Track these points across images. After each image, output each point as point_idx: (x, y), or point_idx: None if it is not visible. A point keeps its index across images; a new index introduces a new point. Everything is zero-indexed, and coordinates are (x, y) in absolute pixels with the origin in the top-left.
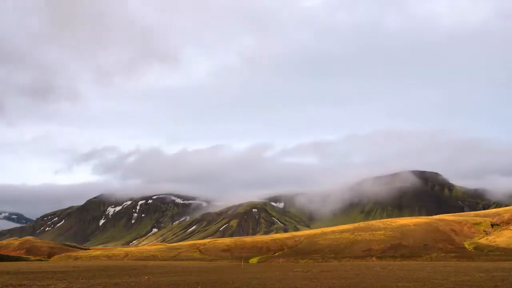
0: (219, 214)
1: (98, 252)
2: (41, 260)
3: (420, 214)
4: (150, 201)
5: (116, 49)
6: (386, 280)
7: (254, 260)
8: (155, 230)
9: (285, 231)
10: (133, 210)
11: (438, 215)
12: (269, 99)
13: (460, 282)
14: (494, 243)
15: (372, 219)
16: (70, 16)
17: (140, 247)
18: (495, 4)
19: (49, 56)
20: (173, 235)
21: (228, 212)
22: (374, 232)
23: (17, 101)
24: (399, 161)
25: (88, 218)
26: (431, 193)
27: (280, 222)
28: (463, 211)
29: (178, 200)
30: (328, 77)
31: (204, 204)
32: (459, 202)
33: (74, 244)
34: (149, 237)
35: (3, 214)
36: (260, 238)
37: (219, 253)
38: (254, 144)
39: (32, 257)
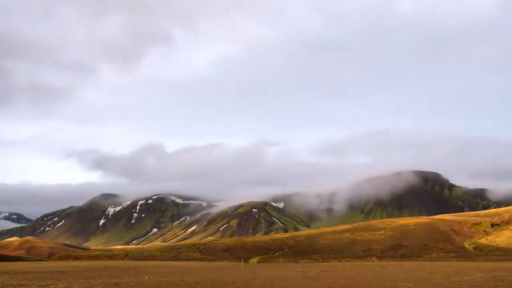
0: (219, 214)
1: (98, 252)
2: (41, 260)
3: (420, 214)
4: (150, 201)
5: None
6: (386, 280)
7: (254, 260)
8: (155, 230)
9: (285, 231)
10: (133, 210)
11: (438, 215)
12: (269, 95)
13: (460, 282)
14: (494, 243)
15: (372, 219)
16: None
17: (140, 247)
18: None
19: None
20: (173, 235)
21: (228, 212)
22: (374, 232)
23: (17, 98)
24: (399, 161)
25: (88, 218)
26: (431, 193)
27: (280, 222)
28: (463, 211)
29: (178, 200)
30: (329, 72)
31: (204, 204)
32: (459, 202)
33: (74, 244)
34: (149, 237)
35: (3, 214)
36: (260, 238)
37: (219, 253)
38: (254, 142)
39: (32, 257)
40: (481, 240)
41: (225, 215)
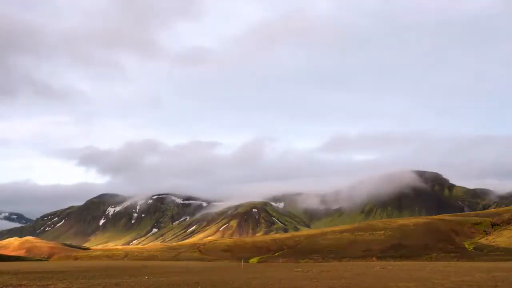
0: (219, 214)
1: (98, 252)
2: (41, 260)
3: (420, 214)
4: (150, 201)
5: None
6: (386, 280)
7: (254, 260)
8: (155, 230)
9: (285, 231)
10: (133, 210)
11: (438, 215)
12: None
13: (460, 282)
14: (494, 243)
15: (372, 219)
16: None
17: (140, 247)
18: None
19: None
20: (173, 235)
21: (228, 212)
22: (374, 232)
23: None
24: (399, 161)
25: (88, 218)
26: (431, 193)
27: (280, 222)
28: (463, 211)
29: (178, 200)
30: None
31: (204, 204)
32: (459, 202)
33: (74, 244)
34: (149, 237)
35: (3, 214)
36: (260, 238)
37: (219, 253)
38: (254, 139)
39: (32, 257)
40: (481, 240)
41: (225, 215)
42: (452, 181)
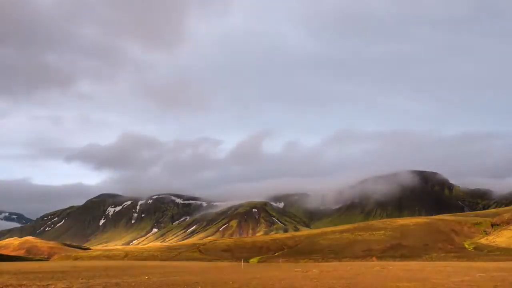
0: (219, 214)
1: (98, 252)
2: (41, 260)
3: (420, 214)
4: (150, 201)
5: None
6: (386, 280)
7: (254, 260)
8: (155, 230)
9: (285, 231)
10: (133, 210)
11: (438, 215)
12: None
13: (460, 282)
14: (494, 243)
15: (372, 219)
16: None
17: (140, 247)
18: None
19: None
20: (173, 235)
21: (228, 212)
22: (374, 232)
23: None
24: (399, 161)
25: (88, 218)
26: (431, 193)
27: (280, 222)
28: (463, 211)
29: (178, 200)
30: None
31: (204, 204)
32: (459, 202)
33: (74, 244)
34: (149, 237)
35: (3, 214)
36: (260, 238)
37: (219, 253)
38: (253, 135)
39: (32, 257)
40: (481, 240)
41: (225, 215)
42: (452, 181)
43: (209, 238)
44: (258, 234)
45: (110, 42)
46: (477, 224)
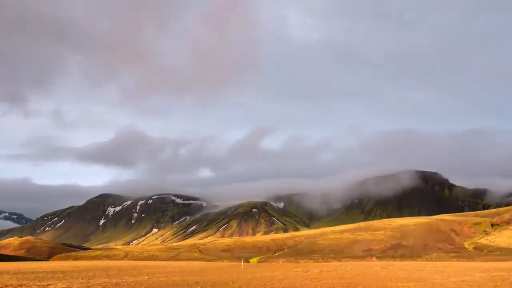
0: (219, 214)
1: (98, 252)
2: (41, 260)
3: (420, 214)
4: (150, 201)
5: None
6: (386, 280)
7: (254, 260)
8: (155, 230)
9: (285, 231)
10: (133, 210)
11: (438, 215)
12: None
13: (460, 282)
14: (494, 243)
15: (372, 219)
16: None
17: (140, 247)
18: None
19: None
20: (173, 235)
21: (228, 212)
22: (374, 232)
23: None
24: (399, 161)
25: (88, 218)
26: (431, 193)
27: (280, 222)
28: (463, 211)
29: (178, 200)
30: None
31: (204, 204)
32: (459, 202)
33: (74, 244)
34: (149, 237)
35: (3, 214)
36: (260, 238)
37: (219, 253)
38: (252, 132)
39: (32, 257)
40: (481, 240)
41: (225, 215)
42: (452, 181)
43: (209, 238)
44: (258, 234)
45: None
46: (477, 224)
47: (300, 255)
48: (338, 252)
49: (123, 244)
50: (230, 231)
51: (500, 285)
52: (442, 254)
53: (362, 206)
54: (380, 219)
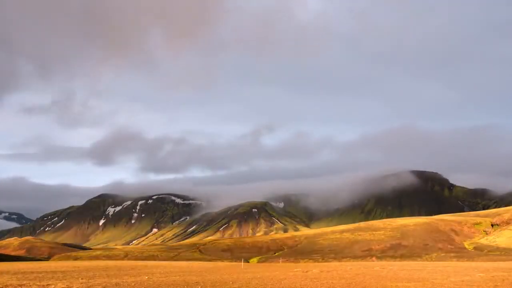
0: (219, 214)
1: (98, 252)
2: (41, 260)
3: (420, 214)
4: (150, 201)
5: None
6: (386, 280)
7: (254, 260)
8: (155, 230)
9: (285, 231)
10: (133, 210)
11: (438, 215)
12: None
13: (460, 282)
14: (494, 243)
15: (372, 219)
16: None
17: (140, 247)
18: None
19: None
20: (173, 235)
21: (228, 212)
22: (374, 232)
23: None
24: (399, 161)
25: (88, 218)
26: (431, 193)
27: (280, 222)
28: (463, 211)
29: (178, 200)
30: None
31: (204, 204)
32: (459, 202)
33: (74, 244)
34: (149, 237)
35: (3, 214)
36: (260, 238)
37: (219, 253)
38: (252, 131)
39: (32, 257)
40: (481, 240)
41: (225, 215)
42: (452, 181)
43: (209, 238)
44: (258, 234)
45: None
46: (477, 224)
47: (300, 255)
48: (338, 252)
49: (123, 244)
50: (230, 231)
51: (500, 285)
52: (442, 254)
53: (362, 206)
54: (380, 219)
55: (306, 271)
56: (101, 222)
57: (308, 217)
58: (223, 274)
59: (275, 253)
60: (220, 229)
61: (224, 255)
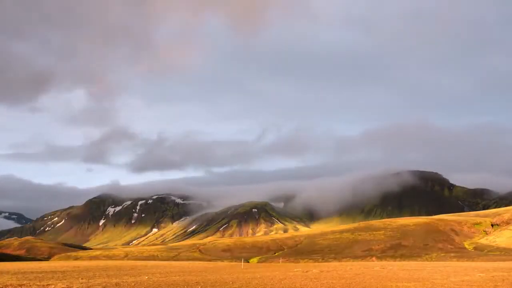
0: (219, 214)
1: (98, 252)
2: (41, 260)
3: (420, 214)
4: (150, 201)
5: None
6: (386, 280)
7: (254, 260)
8: (155, 230)
9: (285, 231)
10: (133, 210)
11: (438, 215)
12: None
13: (460, 282)
14: (494, 243)
15: (372, 219)
16: None
17: (140, 247)
18: None
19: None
20: (173, 235)
21: (228, 212)
22: (374, 232)
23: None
24: (399, 161)
25: (88, 218)
26: (431, 193)
27: (280, 222)
28: (463, 211)
29: (178, 200)
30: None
31: (204, 204)
32: (459, 202)
33: (74, 244)
34: (149, 237)
35: (3, 214)
36: (260, 238)
37: (219, 253)
38: (251, 129)
39: (32, 257)
40: (481, 240)
41: (225, 215)
42: (452, 181)
43: (209, 238)
44: (258, 234)
45: None
46: (477, 224)
47: (300, 255)
48: (338, 252)
49: (123, 244)
50: (230, 231)
51: (500, 285)
52: (442, 254)
53: (362, 206)
54: (380, 219)
55: (306, 271)
56: (101, 222)
57: (308, 217)
58: (223, 274)
59: (275, 253)
60: (220, 229)
61: (224, 255)
